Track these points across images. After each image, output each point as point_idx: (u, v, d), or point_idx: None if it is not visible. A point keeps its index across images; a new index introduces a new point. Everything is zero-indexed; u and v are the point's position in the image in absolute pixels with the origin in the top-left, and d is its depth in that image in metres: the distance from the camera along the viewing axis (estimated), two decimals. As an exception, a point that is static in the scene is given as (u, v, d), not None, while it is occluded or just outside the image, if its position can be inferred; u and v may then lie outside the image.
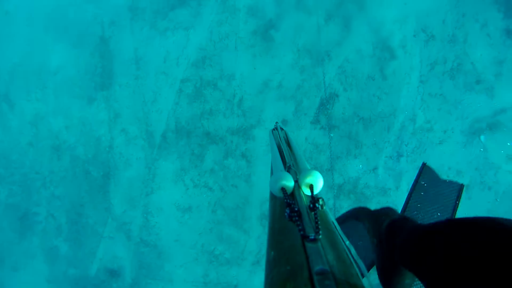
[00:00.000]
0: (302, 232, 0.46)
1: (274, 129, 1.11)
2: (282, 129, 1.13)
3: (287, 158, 0.78)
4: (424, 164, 1.46)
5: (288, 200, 0.53)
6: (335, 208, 3.34)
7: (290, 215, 0.49)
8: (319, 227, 0.47)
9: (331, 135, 3.30)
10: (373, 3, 3.43)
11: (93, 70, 3.49)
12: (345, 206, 3.35)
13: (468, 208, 3.67)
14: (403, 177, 3.51)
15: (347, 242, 0.52)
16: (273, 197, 0.65)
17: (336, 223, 0.58)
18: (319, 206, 0.51)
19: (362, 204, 3.53)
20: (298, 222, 0.47)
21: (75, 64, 3.52)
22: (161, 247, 3.49)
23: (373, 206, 3.14)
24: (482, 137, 3.97)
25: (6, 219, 3.80)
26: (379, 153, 3.45)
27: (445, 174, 3.72)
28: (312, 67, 3.31)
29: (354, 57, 3.41)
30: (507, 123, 3.59)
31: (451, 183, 1.39)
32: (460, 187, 1.37)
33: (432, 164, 3.71)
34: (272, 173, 0.67)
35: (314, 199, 0.52)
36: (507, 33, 3.51)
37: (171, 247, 3.50)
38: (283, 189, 0.58)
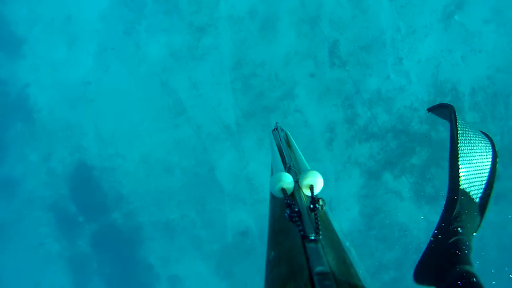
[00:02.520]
0: (302, 233, 0.46)
1: (274, 129, 1.11)
2: (282, 129, 1.11)
3: (287, 158, 0.79)
4: (453, 113, 1.24)
5: (288, 201, 0.53)
6: (372, 116, 4.53)
7: (290, 216, 0.49)
8: (319, 227, 0.47)
9: (347, 68, 4.47)
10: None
11: (167, 106, 4.84)
12: (379, 111, 4.54)
13: (470, 70, 4.73)
14: (410, 72, 4.63)
15: (347, 243, 0.52)
16: (273, 197, 0.65)
17: (336, 223, 0.58)
18: (319, 206, 0.51)
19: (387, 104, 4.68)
20: (298, 223, 0.48)
21: (155, 109, 4.87)
22: (269, 199, 4.82)
23: (398, 103, 4.35)
24: (456, 17, 5.00)
25: (155, 232, 5.25)
26: (386, 65, 4.59)
27: (440, 58, 4.80)
28: (312, 30, 4.49)
29: (336, 9, 4.54)
30: (466, -1, 4.62)
31: (484, 134, 1.29)
32: (492, 143, 1.27)
33: (427, 53, 4.91)
34: (272, 173, 0.67)
35: (314, 199, 0.52)
36: None
37: (275, 196, 4.83)
38: (283, 190, 0.59)
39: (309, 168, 0.66)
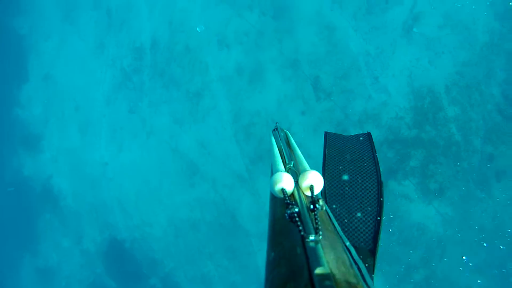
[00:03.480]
0: (302, 233, 0.47)
1: (274, 129, 1.13)
2: (282, 130, 1.14)
3: (287, 158, 0.80)
4: (325, 133, 1.41)
5: (288, 201, 0.53)
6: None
7: (290, 216, 0.49)
8: (319, 228, 0.47)
9: (332, 98, 4.99)
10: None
11: (181, 168, 5.27)
12: (369, 127, 5.01)
13: (440, 71, 5.28)
14: (387, 87, 5.17)
15: (347, 243, 0.53)
16: (273, 197, 0.65)
17: (336, 224, 0.57)
18: (319, 207, 0.51)
19: (373, 122, 5.17)
20: (298, 223, 0.48)
21: (171, 173, 5.30)
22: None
23: (384, 117, 4.85)
24: (414, 29, 5.63)
25: (194, 287, 5.50)
26: (365, 86, 5.13)
27: (410, 68, 5.34)
28: (295, 72, 5.05)
29: (311, 49, 5.13)
30: (421, 10, 5.25)
31: (357, 136, 1.35)
32: (368, 136, 1.33)
33: (398, 66, 5.51)
34: (272, 173, 0.66)
35: (314, 200, 0.52)
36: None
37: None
38: (283, 190, 0.59)
39: (309, 168, 0.66)
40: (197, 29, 5.14)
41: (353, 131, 5.02)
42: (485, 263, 5.15)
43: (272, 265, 0.47)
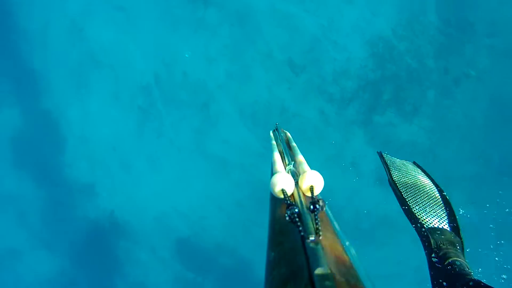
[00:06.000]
0: (302, 234, 0.47)
1: (274, 130, 1.14)
2: (282, 130, 1.13)
3: (288, 159, 0.81)
4: (379, 153, 1.55)
5: (289, 201, 0.54)
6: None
7: (291, 216, 0.50)
8: (319, 228, 0.48)
9: (307, 70, 6.27)
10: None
11: (215, 165, 6.56)
12: (344, 81, 6.30)
13: (384, 12, 6.51)
14: (346, 45, 6.43)
15: (347, 243, 0.52)
16: (273, 198, 0.66)
17: (336, 224, 0.57)
18: (320, 207, 0.51)
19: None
20: (299, 224, 0.48)
21: (211, 177, 6.59)
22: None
23: (351, 72, 6.19)
24: (186, 55, 6.84)
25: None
26: (329, 52, 6.39)
27: (359, 24, 6.58)
28: (272, 61, 6.33)
29: (278, 38, 6.39)
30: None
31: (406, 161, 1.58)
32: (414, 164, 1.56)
33: (352, 23, 6.82)
34: (272, 174, 0.66)
35: (314, 200, 0.52)
36: None
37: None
38: (283, 191, 0.59)
39: (309, 169, 0.66)
40: (186, 55, 6.39)
41: (332, 90, 6.30)
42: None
43: (272, 265, 0.48)
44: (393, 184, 1.41)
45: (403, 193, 1.36)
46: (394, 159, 1.67)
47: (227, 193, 6.48)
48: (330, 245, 0.48)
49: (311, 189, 0.61)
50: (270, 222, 0.61)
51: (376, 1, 6.71)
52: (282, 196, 0.59)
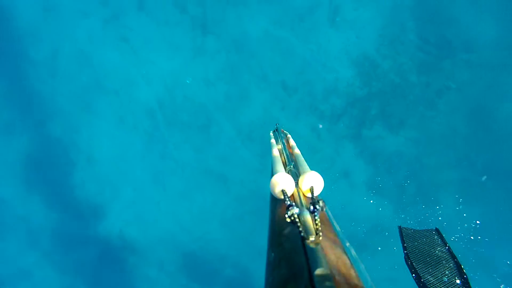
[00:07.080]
0: (302, 234, 0.47)
1: (274, 130, 1.13)
2: (283, 131, 1.12)
3: (288, 160, 0.81)
4: (400, 228, 1.53)
5: (289, 202, 0.54)
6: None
7: (291, 217, 0.50)
8: (319, 229, 0.47)
9: (299, 91, 6.79)
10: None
11: (215, 183, 6.99)
12: (334, 100, 6.82)
13: (368, 34, 7.09)
14: (334, 66, 6.98)
15: (347, 244, 0.52)
16: (273, 199, 0.65)
17: (336, 225, 0.57)
18: (320, 208, 0.51)
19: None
20: (299, 224, 0.48)
21: (213, 194, 7.02)
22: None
23: (340, 90, 6.75)
24: (337, 18, 7.44)
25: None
26: (318, 73, 6.93)
27: (346, 46, 7.16)
28: (266, 83, 6.85)
29: (271, 62, 6.93)
30: (337, 3, 7.08)
31: (427, 231, 1.54)
32: (436, 231, 1.54)
33: (338, 46, 7.47)
34: (272, 174, 0.66)
35: (314, 201, 0.52)
36: None
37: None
38: (283, 191, 0.59)
39: (309, 169, 0.65)
40: (187, 81, 6.92)
41: (322, 107, 6.81)
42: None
43: (272, 265, 0.48)
44: (408, 261, 1.45)
45: (418, 270, 1.40)
46: (415, 230, 1.68)
47: (228, 208, 6.89)
48: (330, 245, 0.48)
49: (311, 190, 0.61)
50: (270, 222, 0.61)
51: (359, 24, 7.31)
52: (282, 196, 0.60)
